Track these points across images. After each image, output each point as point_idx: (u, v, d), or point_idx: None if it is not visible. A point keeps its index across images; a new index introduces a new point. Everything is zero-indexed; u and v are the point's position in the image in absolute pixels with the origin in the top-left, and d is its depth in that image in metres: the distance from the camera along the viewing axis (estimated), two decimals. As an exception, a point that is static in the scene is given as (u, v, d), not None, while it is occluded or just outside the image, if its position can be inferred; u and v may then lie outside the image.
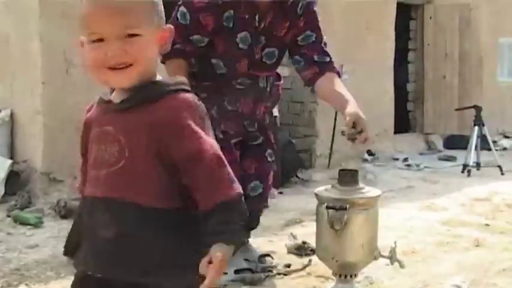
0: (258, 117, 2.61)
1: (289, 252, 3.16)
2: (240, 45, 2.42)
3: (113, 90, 1.32)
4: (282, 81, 2.78)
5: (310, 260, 2.92)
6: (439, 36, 8.39)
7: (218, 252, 1.19)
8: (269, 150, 2.69)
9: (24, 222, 3.83)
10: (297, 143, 6.01)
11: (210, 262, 1.19)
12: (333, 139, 6.28)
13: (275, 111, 2.79)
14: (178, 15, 2.40)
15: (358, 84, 5.84)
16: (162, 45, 1.32)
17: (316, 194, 2.30)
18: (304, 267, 2.88)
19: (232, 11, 2.36)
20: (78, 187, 1.44)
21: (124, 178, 1.25)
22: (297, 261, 2.99)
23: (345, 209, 2.15)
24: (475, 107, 6.67)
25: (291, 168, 5.49)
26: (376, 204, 2.29)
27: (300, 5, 2.47)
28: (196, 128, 1.25)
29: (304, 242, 3.17)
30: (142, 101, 1.26)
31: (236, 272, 2.63)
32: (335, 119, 6.09)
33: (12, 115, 4.89)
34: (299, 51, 2.52)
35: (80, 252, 1.32)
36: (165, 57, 2.49)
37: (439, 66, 8.45)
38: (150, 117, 1.24)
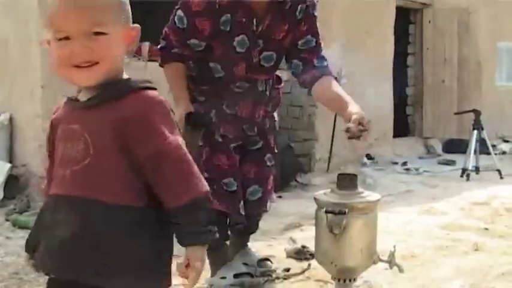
0: (257, 120, 2.61)
1: (289, 256, 3.16)
2: (238, 49, 2.42)
3: (80, 89, 1.32)
4: (282, 85, 2.78)
5: (309, 264, 2.91)
6: (438, 40, 8.42)
7: (195, 255, 1.23)
8: (268, 155, 2.69)
9: (23, 226, 3.82)
10: (296, 147, 6.01)
11: (187, 265, 1.22)
12: (332, 143, 6.28)
13: (274, 115, 2.79)
14: (176, 19, 2.40)
15: (357, 88, 5.85)
16: (129, 44, 1.32)
17: (315, 198, 2.29)
18: (303, 271, 2.88)
19: (229, 15, 2.36)
20: (43, 188, 1.42)
21: (89, 176, 1.24)
22: (296, 266, 2.99)
23: (344, 213, 2.15)
24: (474, 111, 6.68)
25: (290, 172, 5.49)
26: (375, 209, 2.29)
27: (299, 8, 2.46)
28: (162, 125, 1.24)
29: (303, 246, 3.17)
30: (108, 98, 1.26)
31: (235, 276, 2.62)
32: (334, 123, 6.10)
33: (11, 119, 4.89)
34: (298, 55, 2.52)
35: (38, 253, 1.31)
36: (164, 61, 2.50)
37: (438, 70, 8.47)
38: (115, 114, 1.24)
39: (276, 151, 2.75)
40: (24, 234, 3.70)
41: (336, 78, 2.57)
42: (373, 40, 7.19)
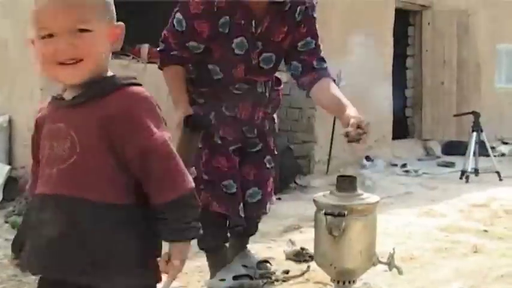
0: (256, 122, 2.60)
1: (288, 258, 3.16)
2: (236, 51, 2.42)
3: (65, 88, 1.32)
4: (282, 86, 2.78)
5: (308, 266, 2.91)
6: (438, 42, 8.42)
7: (176, 252, 1.24)
8: (268, 157, 2.68)
9: (22, 228, 3.82)
10: (295, 149, 6.01)
11: (168, 261, 1.24)
12: (331, 145, 6.28)
13: (274, 117, 2.79)
14: (175, 22, 2.40)
15: (356, 90, 5.85)
16: (114, 41, 1.31)
17: (314, 200, 2.30)
18: (303, 273, 2.88)
19: (228, 17, 2.36)
20: (28, 188, 1.42)
21: (75, 174, 1.24)
22: (295, 268, 2.99)
23: (343, 215, 2.15)
24: (473, 113, 6.69)
25: (290, 174, 5.49)
26: (375, 211, 2.29)
27: (298, 9, 2.46)
28: (148, 122, 1.24)
29: (302, 248, 3.17)
30: (93, 96, 1.26)
31: (234, 278, 2.62)
32: (333, 125, 6.10)
33: (10, 121, 4.89)
34: (298, 57, 2.52)
35: (24, 253, 1.31)
36: (163, 64, 2.50)
37: (437, 72, 8.47)
38: (101, 111, 1.24)
39: (276, 153, 2.75)
40: (24, 236, 3.69)
41: (334, 81, 2.58)
42: (372, 42, 7.19)
